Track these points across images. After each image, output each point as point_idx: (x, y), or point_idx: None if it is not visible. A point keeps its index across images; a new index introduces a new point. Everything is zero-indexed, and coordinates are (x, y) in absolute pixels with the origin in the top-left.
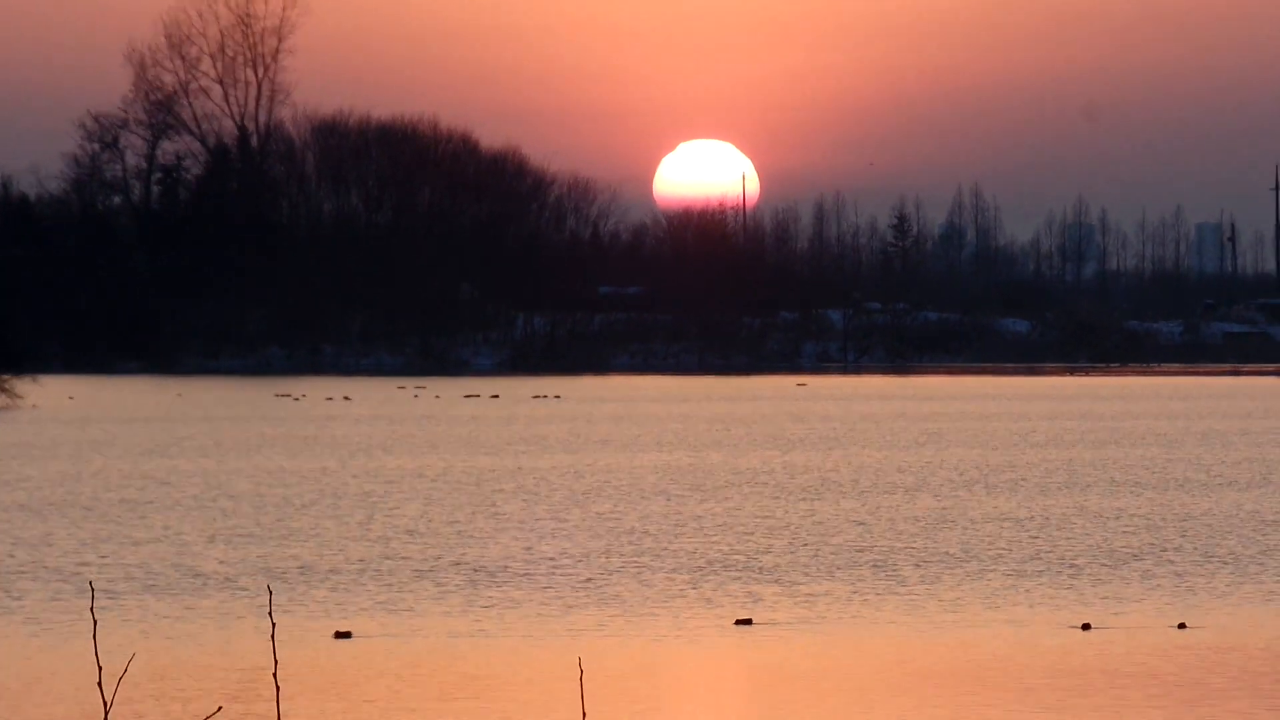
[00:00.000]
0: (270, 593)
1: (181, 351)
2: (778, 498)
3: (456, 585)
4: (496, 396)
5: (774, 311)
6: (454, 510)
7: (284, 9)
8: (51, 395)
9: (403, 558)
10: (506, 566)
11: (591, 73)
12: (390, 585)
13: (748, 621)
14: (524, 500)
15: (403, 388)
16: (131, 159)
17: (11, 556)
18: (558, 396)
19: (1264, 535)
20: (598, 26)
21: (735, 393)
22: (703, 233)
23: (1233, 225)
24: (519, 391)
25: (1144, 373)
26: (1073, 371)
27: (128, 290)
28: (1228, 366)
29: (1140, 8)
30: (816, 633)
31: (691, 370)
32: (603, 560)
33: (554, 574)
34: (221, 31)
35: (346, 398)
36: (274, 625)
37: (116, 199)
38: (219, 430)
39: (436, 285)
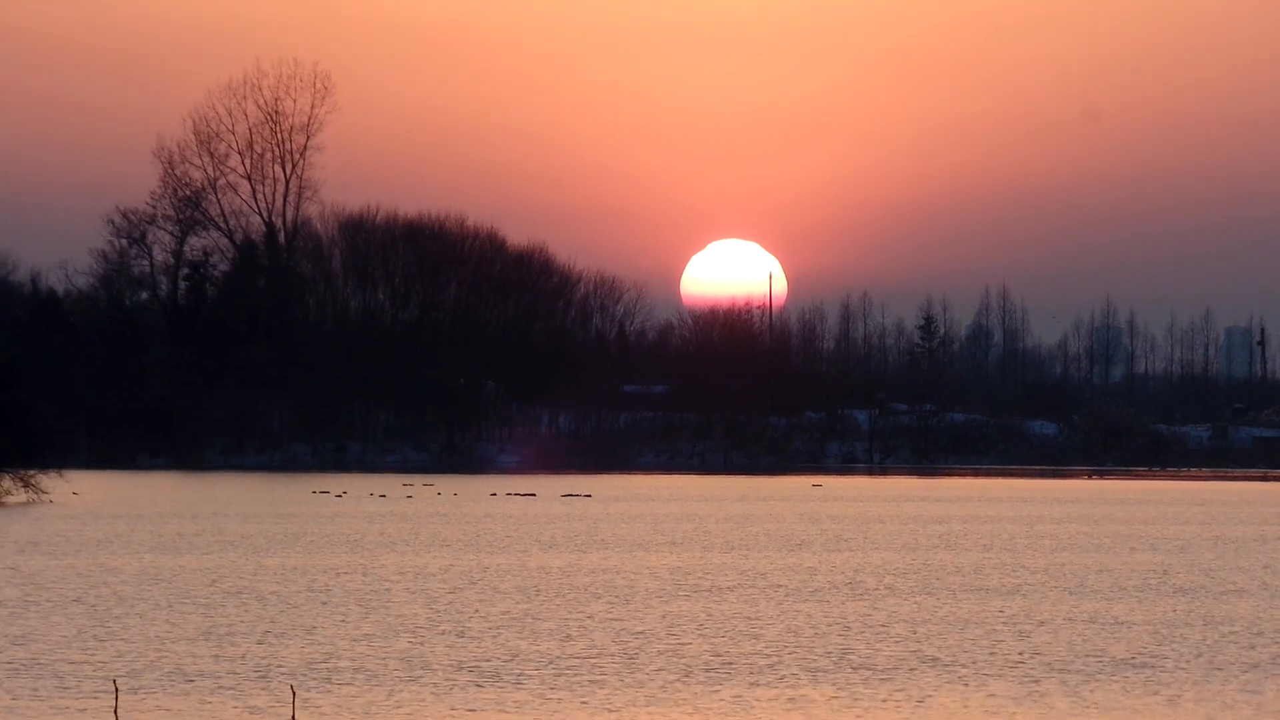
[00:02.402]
0: (293, 693)
1: (206, 447)
2: (779, 600)
3: (446, 685)
4: (534, 495)
5: (799, 412)
6: (449, 609)
7: (312, 106)
8: (76, 490)
9: (394, 657)
10: (492, 667)
11: (619, 172)
12: (379, 685)
13: None
14: (521, 599)
15: (408, 484)
16: (159, 255)
17: (2, 652)
18: (589, 495)
19: (1257, 646)
20: (626, 127)
21: (751, 493)
22: (728, 332)
23: (1262, 329)
24: (547, 489)
25: (1170, 476)
26: (1098, 475)
27: (153, 386)
28: (1256, 471)
29: (1171, 111)
30: None
31: (717, 469)
32: (589, 661)
33: (539, 675)
34: (250, 128)
35: (409, 495)
36: None
37: (144, 294)
38: (237, 526)
39: (462, 382)
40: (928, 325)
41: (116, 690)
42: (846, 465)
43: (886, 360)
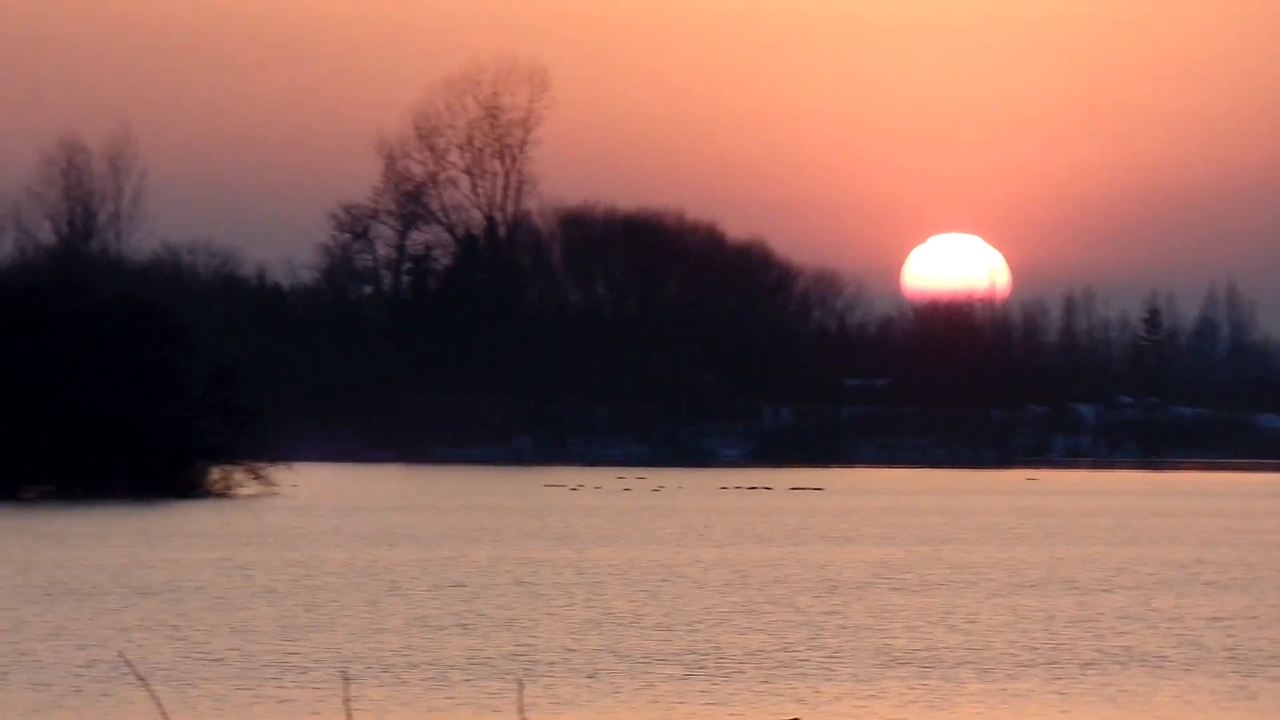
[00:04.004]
0: (520, 685)
1: (429, 440)
2: (988, 594)
3: (650, 677)
4: (770, 489)
5: (1022, 405)
6: (657, 601)
7: (531, 101)
8: (296, 483)
9: (599, 649)
10: (696, 659)
11: (839, 165)
12: (583, 675)
13: None
14: (729, 592)
15: (621, 478)
16: (381, 249)
17: (214, 640)
18: (819, 488)
19: None
20: (846, 120)
21: (967, 487)
22: (950, 326)
23: None
24: (776, 483)
25: None
26: None
27: (377, 379)
28: None
29: None
30: None
31: (938, 463)
32: (794, 654)
33: (743, 667)
34: (469, 123)
35: (655, 489)
36: None
37: (366, 288)
38: (450, 519)
39: (682, 376)
40: (1152, 318)
41: (346, 680)
42: (1071, 459)
43: (1110, 354)
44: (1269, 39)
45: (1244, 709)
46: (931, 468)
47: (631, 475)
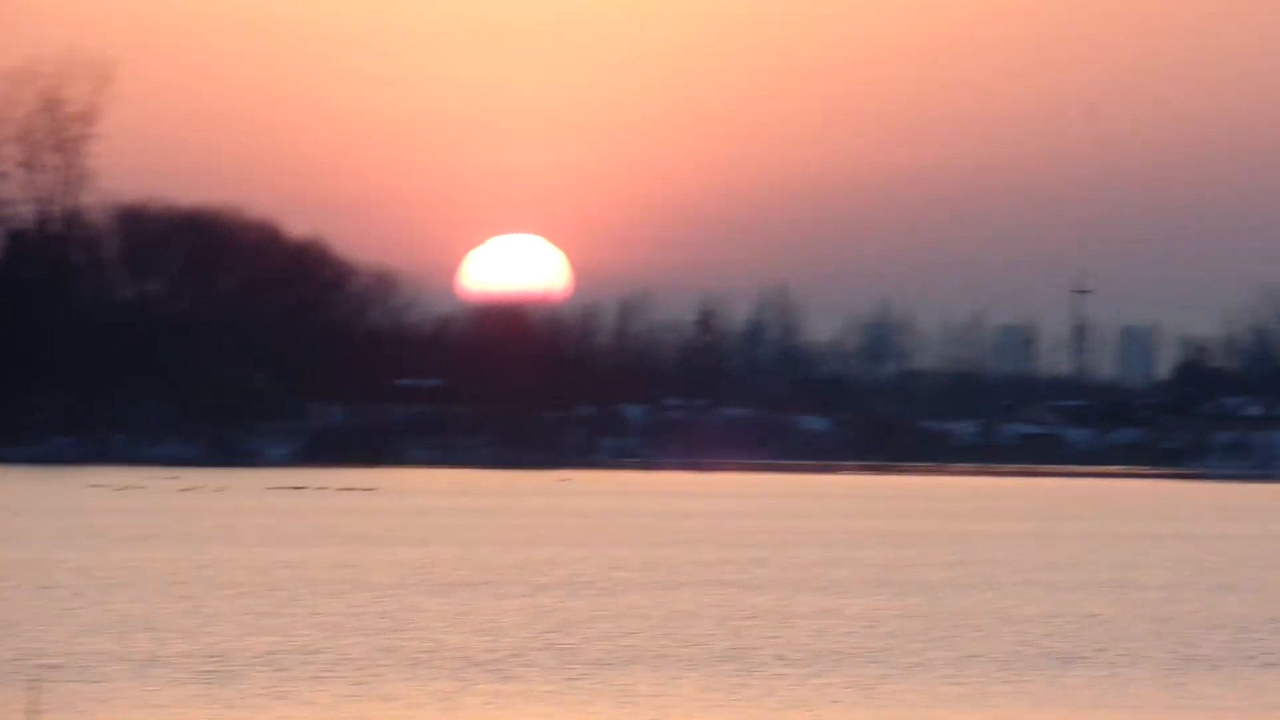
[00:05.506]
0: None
1: None
2: (506, 595)
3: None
4: (324, 488)
5: (573, 407)
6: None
7: (92, 95)
8: None
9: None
10: (206, 660)
11: (401, 165)
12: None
13: None
14: (245, 594)
15: (151, 479)
16: None
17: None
18: (372, 489)
19: (1001, 635)
20: (409, 118)
21: (509, 488)
22: (503, 326)
23: (1034, 328)
24: (326, 483)
25: (931, 472)
26: (864, 470)
27: None
28: (1015, 467)
29: (948, 109)
30: None
31: (487, 464)
32: (323, 655)
33: (253, 666)
34: (27, 116)
35: (191, 488)
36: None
37: None
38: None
39: (231, 374)
40: (704, 321)
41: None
42: (618, 460)
43: (663, 356)
44: (840, 44)
45: (747, 699)
46: (481, 468)
47: (160, 476)
